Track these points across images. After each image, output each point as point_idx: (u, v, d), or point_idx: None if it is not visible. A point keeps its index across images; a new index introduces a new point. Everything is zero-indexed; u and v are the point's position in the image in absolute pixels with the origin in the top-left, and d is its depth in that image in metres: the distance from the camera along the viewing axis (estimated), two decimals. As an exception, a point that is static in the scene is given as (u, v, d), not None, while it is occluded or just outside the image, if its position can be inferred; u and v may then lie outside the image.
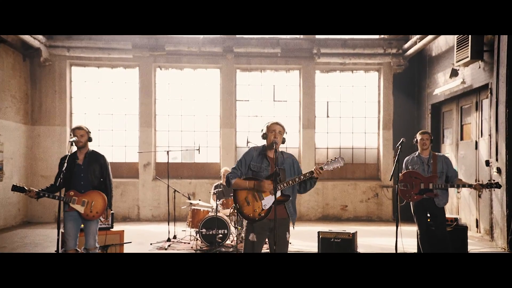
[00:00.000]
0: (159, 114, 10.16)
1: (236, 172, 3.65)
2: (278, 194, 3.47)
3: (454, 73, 7.91)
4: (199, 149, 7.29)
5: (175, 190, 6.90)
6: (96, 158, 4.55)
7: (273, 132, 3.59)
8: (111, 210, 4.68)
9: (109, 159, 9.98)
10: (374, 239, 7.52)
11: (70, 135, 4.51)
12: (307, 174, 3.48)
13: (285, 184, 3.47)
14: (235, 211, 3.84)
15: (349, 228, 8.81)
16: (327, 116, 10.31)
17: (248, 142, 6.94)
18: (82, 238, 4.46)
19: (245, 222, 3.60)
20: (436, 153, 5.27)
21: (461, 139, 8.41)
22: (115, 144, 10.07)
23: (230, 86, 10.06)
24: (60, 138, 9.66)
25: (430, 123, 9.40)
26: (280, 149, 3.64)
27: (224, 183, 7.40)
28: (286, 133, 3.70)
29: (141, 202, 9.86)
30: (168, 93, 10.18)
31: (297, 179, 3.50)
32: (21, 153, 9.22)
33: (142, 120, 9.93)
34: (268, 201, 3.50)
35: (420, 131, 5.40)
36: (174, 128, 10.18)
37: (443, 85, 8.61)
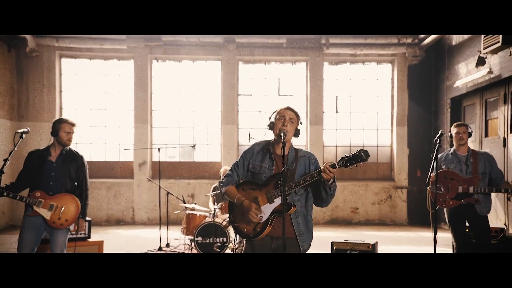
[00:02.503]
0: (155, 110, 9.52)
1: (230, 178, 2.92)
2: (277, 202, 2.72)
3: (481, 62, 7.13)
4: (194, 146, 6.53)
5: (168, 192, 6.19)
6: (73, 158, 3.87)
7: (282, 119, 2.78)
8: (85, 221, 3.93)
9: (102, 157, 9.58)
10: (391, 248, 6.75)
11: (54, 125, 3.81)
12: (315, 175, 2.64)
13: (284, 189, 2.57)
14: (229, 224, 2.99)
15: (361, 233, 8.11)
16: (336, 112, 9.60)
17: (250, 138, 6.21)
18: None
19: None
20: (477, 150, 4.49)
21: (486, 135, 7.64)
22: (108, 141, 9.44)
23: (231, 79, 9.40)
24: (49, 136, 8.89)
25: (449, 118, 8.64)
26: (294, 146, 2.90)
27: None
28: (301, 123, 2.89)
29: (136, 204, 9.20)
30: (165, 87, 9.55)
31: (301, 181, 2.66)
32: (6, 151, 8.54)
33: (137, 116, 9.30)
34: (265, 211, 2.73)
35: (455, 123, 4.63)
36: (172, 125, 9.54)
37: (465, 76, 7.86)
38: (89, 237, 4.66)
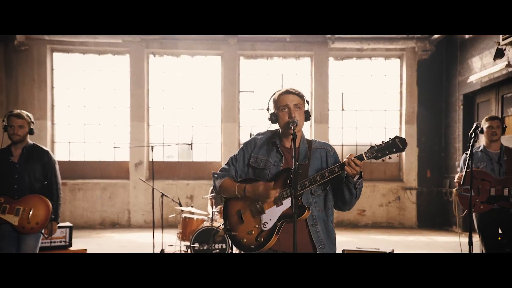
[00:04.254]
0: (152, 107, 9.10)
1: (226, 172, 2.44)
2: (287, 204, 2.22)
3: (500, 54, 6.68)
4: (191, 145, 6.09)
5: (162, 194, 5.74)
6: (38, 155, 3.46)
7: (286, 109, 2.29)
8: (57, 223, 3.48)
9: (96, 157, 9.14)
10: (402, 253, 6.30)
11: (3, 121, 3.38)
12: (336, 169, 2.15)
13: (296, 189, 2.03)
14: (225, 232, 2.53)
15: (369, 237, 7.66)
16: (342, 109, 9.17)
17: (251, 135, 5.78)
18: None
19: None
20: (511, 147, 4.02)
21: (502, 133, 7.18)
22: (103, 140, 9.00)
23: (232, 75, 8.96)
24: (39, 134, 8.53)
25: (461, 116, 8.21)
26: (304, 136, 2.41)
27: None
28: (307, 102, 2.38)
29: (132, 206, 8.77)
30: (163, 83, 9.12)
31: (318, 178, 2.15)
32: (-6, 151, 8.11)
33: (133, 113, 8.86)
34: (270, 216, 2.23)
35: (487, 117, 4.15)
36: (170, 123, 9.12)
37: (480, 70, 7.42)
38: (70, 245, 4.21)
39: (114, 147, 6.86)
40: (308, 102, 2.39)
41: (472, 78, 7.54)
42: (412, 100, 8.95)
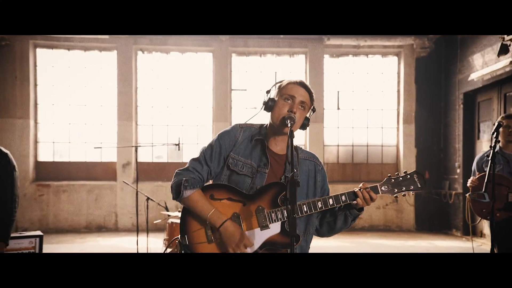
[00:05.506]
0: (141, 106, 8.74)
1: (195, 174, 1.94)
2: (275, 229, 1.86)
3: (504, 50, 6.39)
4: (179, 145, 5.73)
5: (148, 198, 5.39)
6: None
7: (290, 100, 1.91)
8: (6, 245, 2.81)
9: (82, 157, 8.74)
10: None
11: None
12: (343, 198, 1.86)
13: (293, 211, 1.67)
14: (180, 248, 1.94)
15: (366, 241, 7.31)
16: (338, 108, 8.86)
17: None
18: None
19: None
20: None
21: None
22: (88, 140, 8.62)
23: (224, 73, 8.63)
24: (22, 134, 8.18)
25: (461, 115, 7.93)
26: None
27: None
28: (313, 109, 2.01)
29: (120, 209, 8.40)
30: (152, 80, 8.75)
31: (319, 204, 1.83)
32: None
33: (120, 112, 8.50)
34: (253, 240, 1.85)
35: (504, 115, 3.79)
36: (159, 122, 8.76)
37: (482, 68, 7.15)
38: (41, 256, 3.83)
39: (95, 148, 6.48)
40: (314, 110, 2.02)
41: (473, 76, 7.26)
42: (410, 99, 8.66)
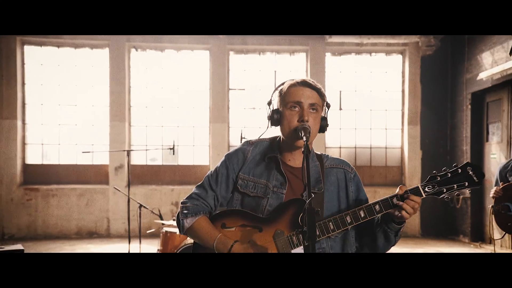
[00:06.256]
0: (134, 106, 8.39)
1: (199, 202, 1.68)
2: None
3: (518, 48, 6.09)
4: (173, 149, 5.35)
5: (140, 205, 5.03)
6: None
7: (296, 107, 1.63)
8: None
9: (73, 160, 8.31)
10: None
11: None
12: (377, 208, 1.56)
13: (313, 235, 1.38)
14: None
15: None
16: (340, 109, 8.54)
17: (242, 138, 5.09)
18: None
19: None
20: None
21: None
22: (80, 142, 8.26)
23: (221, 72, 8.29)
24: (8, 135, 7.81)
25: (469, 116, 7.63)
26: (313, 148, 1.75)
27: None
28: (327, 105, 1.75)
29: (112, 214, 8.05)
30: (146, 79, 8.41)
31: (348, 219, 1.54)
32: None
33: (113, 112, 8.15)
34: None
35: None
36: (153, 123, 8.42)
37: (491, 67, 6.84)
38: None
39: (83, 152, 6.09)
40: (328, 106, 1.73)
41: (482, 75, 6.96)
42: (415, 99, 8.35)
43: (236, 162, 1.71)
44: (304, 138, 1.50)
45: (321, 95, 1.69)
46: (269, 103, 1.72)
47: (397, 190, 1.58)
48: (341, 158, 1.81)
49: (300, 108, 1.62)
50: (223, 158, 1.77)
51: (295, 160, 1.68)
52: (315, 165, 1.69)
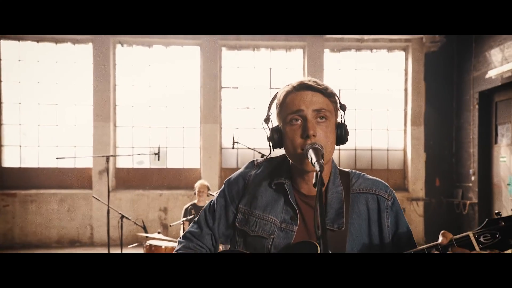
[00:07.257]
0: (120, 105, 7.99)
1: (194, 242, 1.40)
2: None
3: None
4: (158, 154, 4.86)
5: (122, 216, 4.53)
6: None
7: (299, 120, 1.25)
8: None
9: (53, 163, 7.84)
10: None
11: None
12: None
13: None
14: None
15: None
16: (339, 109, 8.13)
17: (234, 142, 4.62)
18: None
19: None
20: None
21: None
22: (60, 143, 7.86)
23: (213, 69, 7.91)
24: (-16, 136, 7.32)
25: (476, 116, 7.25)
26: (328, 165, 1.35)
27: (198, 203, 5.08)
28: (342, 106, 1.34)
29: (95, 221, 7.61)
30: (132, 77, 8.04)
31: None
32: None
33: (97, 112, 7.76)
34: None
35: None
36: (140, 123, 8.02)
37: (501, 64, 6.45)
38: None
39: (57, 158, 5.58)
40: (344, 108, 1.33)
41: (491, 73, 6.59)
42: (419, 98, 8.01)
43: (236, 190, 1.38)
44: (317, 166, 1.08)
45: (329, 96, 1.30)
46: (266, 120, 1.36)
47: (440, 238, 1.16)
48: (376, 178, 1.35)
49: (303, 120, 1.24)
50: (224, 186, 1.42)
51: (310, 186, 1.28)
52: (337, 191, 1.28)
